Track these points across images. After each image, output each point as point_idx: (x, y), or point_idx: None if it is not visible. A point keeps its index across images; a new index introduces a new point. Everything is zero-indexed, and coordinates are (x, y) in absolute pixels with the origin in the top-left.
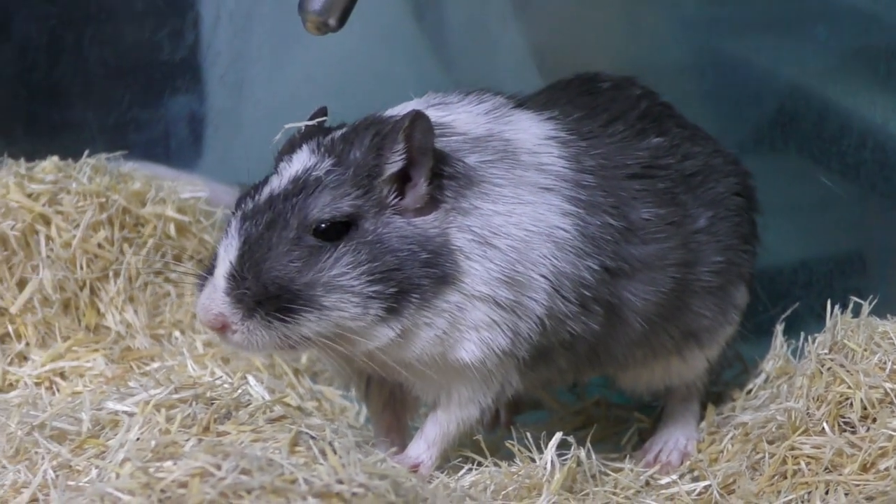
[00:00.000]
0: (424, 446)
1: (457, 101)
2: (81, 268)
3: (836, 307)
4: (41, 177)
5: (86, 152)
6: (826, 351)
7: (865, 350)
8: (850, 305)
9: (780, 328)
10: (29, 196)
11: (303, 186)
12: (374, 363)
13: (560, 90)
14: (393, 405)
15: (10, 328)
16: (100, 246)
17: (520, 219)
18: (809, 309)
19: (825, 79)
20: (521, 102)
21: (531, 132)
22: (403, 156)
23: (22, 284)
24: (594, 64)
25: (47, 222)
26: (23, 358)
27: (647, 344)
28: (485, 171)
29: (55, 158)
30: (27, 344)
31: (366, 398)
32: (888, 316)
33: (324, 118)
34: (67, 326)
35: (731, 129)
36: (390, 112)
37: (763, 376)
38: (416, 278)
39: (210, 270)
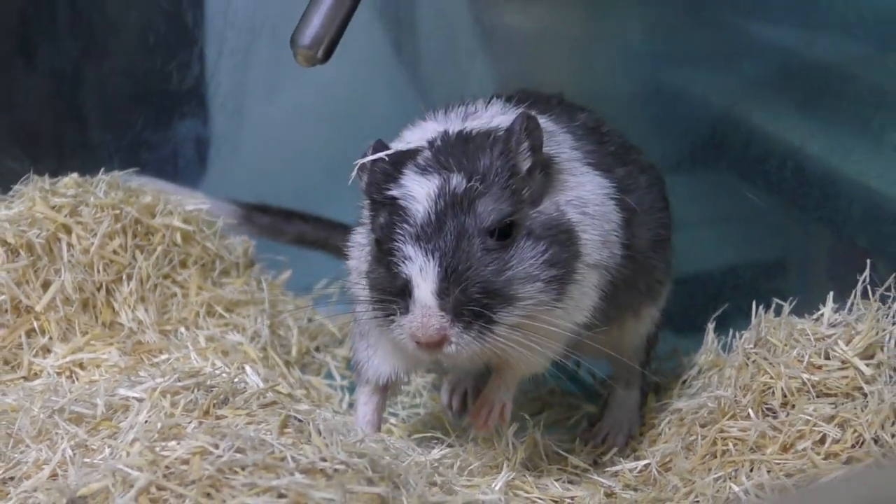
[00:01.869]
0: (505, 389)
1: (474, 109)
2: (98, 271)
3: (761, 307)
4: (63, 191)
5: (101, 170)
6: (752, 346)
7: (786, 345)
8: (773, 306)
9: (711, 326)
10: (52, 208)
11: (458, 200)
12: None
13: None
14: (383, 390)
15: (35, 324)
16: (115, 252)
17: (590, 184)
18: (737, 309)
19: (751, 106)
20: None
21: (538, 117)
22: (530, 153)
23: (46, 286)
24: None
25: (68, 231)
26: (46, 350)
27: (627, 300)
28: (552, 153)
29: (75, 175)
30: (50, 338)
31: (371, 382)
32: (805, 315)
33: (388, 150)
34: (86, 323)
35: (671, 150)
36: (413, 132)
37: (696, 368)
38: (567, 259)
39: (397, 294)
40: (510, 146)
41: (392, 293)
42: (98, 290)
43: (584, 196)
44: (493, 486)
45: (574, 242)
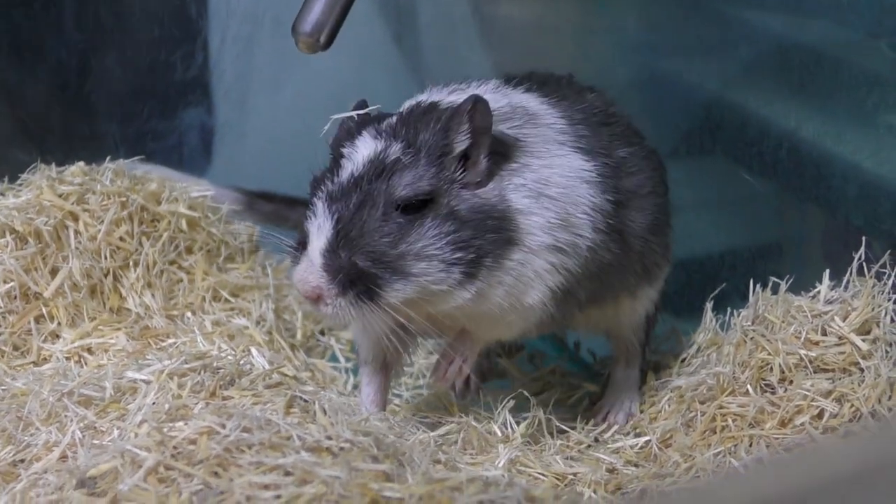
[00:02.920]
0: (470, 344)
1: (466, 86)
2: (106, 258)
3: (758, 286)
4: (70, 179)
5: (107, 158)
6: (749, 323)
7: (783, 322)
8: (770, 284)
9: (709, 305)
10: (60, 196)
11: (382, 168)
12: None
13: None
14: (386, 366)
15: (44, 310)
16: (121, 239)
17: (560, 167)
18: (735, 289)
19: (746, 91)
20: (498, 84)
21: (530, 100)
22: (469, 135)
23: (54, 272)
24: None
25: (76, 219)
26: (55, 336)
27: (620, 280)
28: (521, 134)
29: (81, 164)
30: (59, 324)
31: (369, 361)
32: (802, 293)
33: (369, 108)
34: (94, 308)
35: (667, 136)
36: (412, 102)
37: (695, 347)
38: (487, 244)
39: (303, 244)
40: (450, 125)
41: (297, 243)
42: (105, 276)
43: (547, 177)
44: (496, 462)
45: (505, 229)
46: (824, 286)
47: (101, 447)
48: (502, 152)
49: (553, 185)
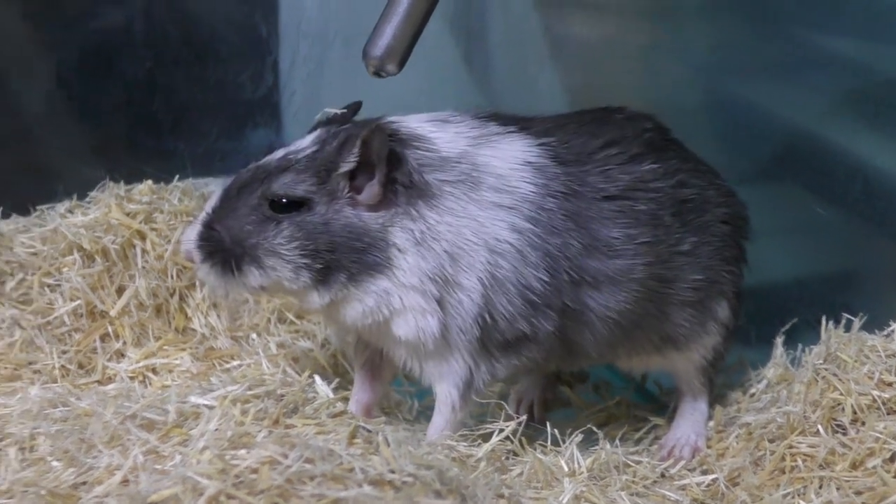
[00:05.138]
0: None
1: (456, 121)
2: (172, 277)
3: (830, 322)
4: (138, 198)
5: (176, 177)
6: (821, 361)
7: (856, 361)
8: (843, 321)
9: (779, 340)
10: (127, 214)
11: (282, 163)
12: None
13: (577, 116)
14: (371, 366)
15: (109, 329)
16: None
17: (460, 230)
18: (805, 322)
19: (820, 119)
20: (527, 125)
21: (508, 157)
22: (357, 159)
23: (120, 291)
24: (618, 103)
25: (143, 237)
26: (120, 355)
27: (626, 343)
28: (441, 188)
29: (149, 182)
30: (124, 343)
31: (354, 355)
32: (876, 331)
33: (355, 110)
34: (159, 328)
35: (737, 162)
36: (392, 118)
37: (765, 382)
38: (346, 261)
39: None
40: (344, 144)
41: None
42: (171, 295)
43: (437, 232)
44: (560, 498)
45: (374, 256)
46: None
47: (162, 473)
48: (410, 193)
49: (442, 241)
